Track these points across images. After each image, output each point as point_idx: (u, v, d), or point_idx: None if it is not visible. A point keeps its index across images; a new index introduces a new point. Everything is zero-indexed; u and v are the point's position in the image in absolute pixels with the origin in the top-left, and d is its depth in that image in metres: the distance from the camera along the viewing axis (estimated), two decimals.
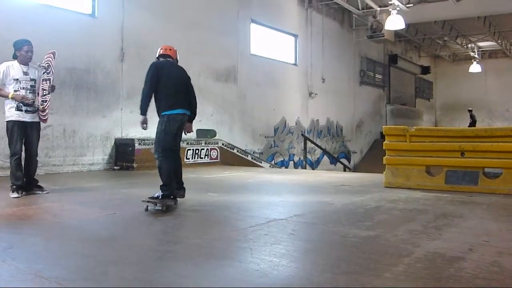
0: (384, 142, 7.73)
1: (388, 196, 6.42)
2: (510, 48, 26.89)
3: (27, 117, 6.15)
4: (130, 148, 10.42)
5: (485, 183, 6.80)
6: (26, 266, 3.05)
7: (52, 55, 6.40)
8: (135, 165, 10.31)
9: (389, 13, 16.67)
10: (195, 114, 5.78)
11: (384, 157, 7.65)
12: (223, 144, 12.65)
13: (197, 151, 11.87)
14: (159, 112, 5.48)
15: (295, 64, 17.34)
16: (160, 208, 5.20)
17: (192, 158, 11.72)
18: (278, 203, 6.08)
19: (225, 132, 13.66)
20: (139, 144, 10.45)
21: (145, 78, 5.44)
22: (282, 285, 2.81)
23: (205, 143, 12.15)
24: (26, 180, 6.26)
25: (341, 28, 19.96)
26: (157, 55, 5.75)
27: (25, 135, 6.18)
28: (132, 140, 10.51)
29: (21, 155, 6.15)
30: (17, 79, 6.11)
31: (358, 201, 6.03)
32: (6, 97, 6.07)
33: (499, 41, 24.77)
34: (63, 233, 4.14)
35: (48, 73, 6.30)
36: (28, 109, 6.16)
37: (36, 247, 3.63)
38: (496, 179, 6.81)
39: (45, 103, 6.28)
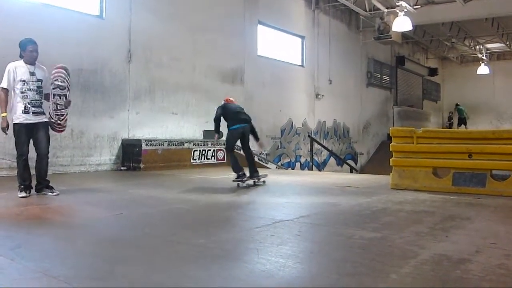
0: (391, 144, 7.71)
1: (395, 198, 6.40)
2: None
3: (33, 119, 6.06)
4: (137, 149, 10.47)
5: (493, 185, 6.77)
6: (34, 265, 3.07)
7: (64, 71, 6.29)
8: (142, 165, 10.35)
9: (396, 15, 16.63)
10: (255, 133, 8.89)
11: (390, 159, 7.63)
12: None
13: (203, 152, 11.90)
14: (228, 128, 8.33)
15: (302, 66, 17.34)
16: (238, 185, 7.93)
17: (199, 159, 11.75)
18: (284, 204, 6.09)
19: None
20: (146, 145, 10.49)
21: (216, 112, 8.28)
22: (288, 286, 2.81)
23: (212, 144, 12.17)
24: (37, 180, 6.23)
25: (348, 29, 19.93)
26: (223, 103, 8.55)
27: (32, 136, 6.12)
28: (139, 140, 10.55)
29: (27, 156, 6.09)
30: (24, 80, 6.02)
31: (365, 203, 6.02)
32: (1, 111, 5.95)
33: (507, 43, 24.64)
34: (70, 233, 4.16)
35: (62, 89, 6.22)
36: (36, 110, 6.09)
37: (44, 246, 3.66)
38: (504, 181, 6.78)
39: (62, 117, 6.25)
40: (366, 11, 18.01)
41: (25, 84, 6.02)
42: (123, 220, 4.90)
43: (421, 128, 7.66)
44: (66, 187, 7.13)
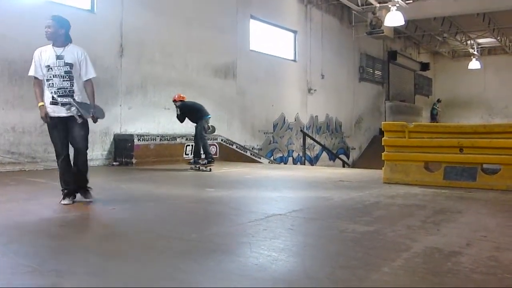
0: (383, 138, 7.75)
1: (387, 192, 6.44)
2: (509, 45, 26.87)
3: (63, 111, 5.11)
4: (129, 144, 10.43)
5: (484, 179, 6.83)
6: (27, 260, 3.06)
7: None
8: (134, 160, 10.32)
9: (388, 10, 16.65)
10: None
11: (382, 153, 7.67)
12: (222, 140, 12.66)
13: None
14: (197, 121, 9.85)
15: (294, 60, 17.33)
16: (209, 170, 9.47)
17: (191, 154, 11.70)
18: (277, 198, 6.10)
19: (224, 128, 13.66)
20: (138, 140, 10.46)
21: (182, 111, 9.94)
22: (281, 279, 2.83)
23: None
24: (73, 181, 5.36)
25: (341, 24, 19.94)
26: (176, 99, 10.03)
27: (67, 130, 5.20)
28: (131, 136, 10.52)
29: (66, 155, 5.24)
30: (49, 66, 5.11)
31: (357, 197, 6.05)
32: (37, 102, 5.16)
33: (498, 38, 24.75)
34: (62, 228, 4.15)
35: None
36: (66, 101, 5.11)
37: (36, 242, 3.65)
38: (494, 175, 6.84)
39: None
40: (358, 5, 18.01)
41: (50, 70, 5.10)
42: (115, 215, 4.89)
43: (413, 123, 7.71)
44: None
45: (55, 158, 8.68)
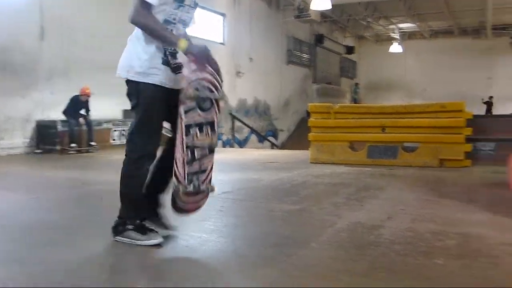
0: (309, 120, 7.94)
1: (314, 172, 6.64)
2: (428, 30, 28.19)
3: (172, 80, 3.05)
4: (53, 130, 10.01)
5: (404, 156, 7.21)
6: None
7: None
8: (58, 147, 9.93)
9: None
10: None
11: (309, 134, 7.87)
12: None
13: (123, 132, 11.60)
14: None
15: (222, 44, 17.26)
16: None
17: (118, 139, 11.44)
18: None
19: None
20: (62, 126, 10.06)
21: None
22: (212, 258, 2.87)
23: None
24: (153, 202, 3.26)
25: (269, 8, 20.05)
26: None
27: (168, 114, 3.05)
28: (55, 122, 10.09)
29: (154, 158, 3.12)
30: (183, 1, 3.08)
31: (285, 177, 6.19)
32: (173, 45, 3.02)
33: (418, 23, 25.87)
34: None
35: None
36: (179, 63, 3.10)
37: None
38: (413, 152, 7.24)
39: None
40: None
41: (181, 7, 3.12)
42: (40, 203, 4.72)
43: (338, 104, 7.97)
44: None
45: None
